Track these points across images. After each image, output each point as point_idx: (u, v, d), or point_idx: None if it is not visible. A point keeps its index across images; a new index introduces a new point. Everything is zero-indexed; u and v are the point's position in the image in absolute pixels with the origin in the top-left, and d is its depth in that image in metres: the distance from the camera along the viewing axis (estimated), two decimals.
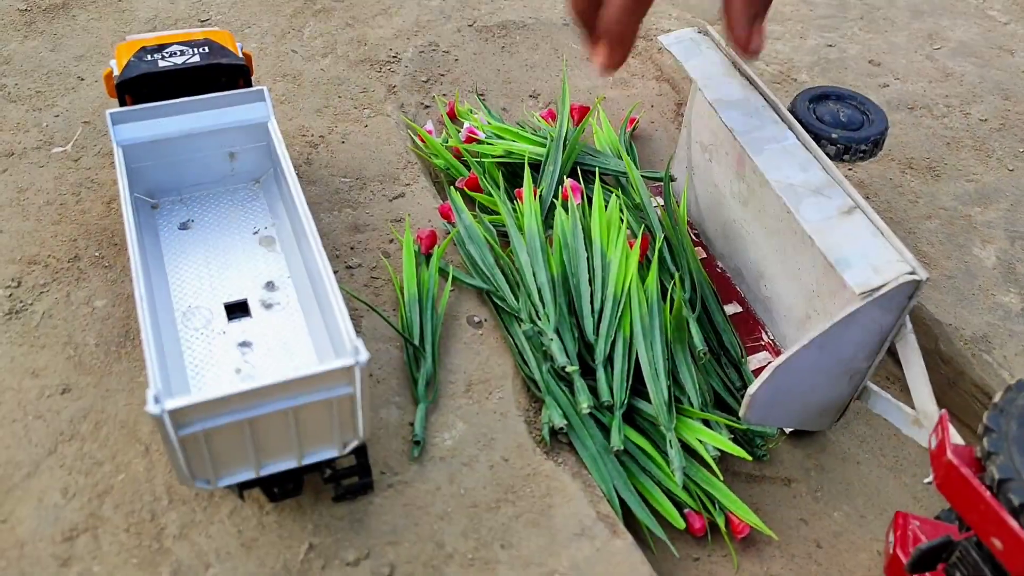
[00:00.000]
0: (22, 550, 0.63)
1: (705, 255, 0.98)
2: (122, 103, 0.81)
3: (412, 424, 0.73)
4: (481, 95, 1.14)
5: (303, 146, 1.00)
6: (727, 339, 0.87)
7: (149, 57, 0.80)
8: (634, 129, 1.12)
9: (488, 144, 1.00)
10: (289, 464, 0.60)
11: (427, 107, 1.11)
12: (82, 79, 1.08)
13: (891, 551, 0.71)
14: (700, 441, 0.77)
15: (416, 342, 0.78)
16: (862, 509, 0.80)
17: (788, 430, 0.85)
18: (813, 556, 0.76)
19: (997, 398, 0.58)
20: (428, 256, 0.87)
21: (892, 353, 0.76)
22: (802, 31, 1.31)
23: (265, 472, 0.60)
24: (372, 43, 1.20)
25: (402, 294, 0.82)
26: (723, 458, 0.83)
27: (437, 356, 0.78)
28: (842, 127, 0.85)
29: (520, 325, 0.81)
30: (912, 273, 0.68)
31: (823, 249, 0.71)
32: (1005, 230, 1.00)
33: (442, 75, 1.16)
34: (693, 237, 1.00)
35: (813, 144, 0.79)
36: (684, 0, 1.35)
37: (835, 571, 0.75)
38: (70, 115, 1.02)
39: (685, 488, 0.76)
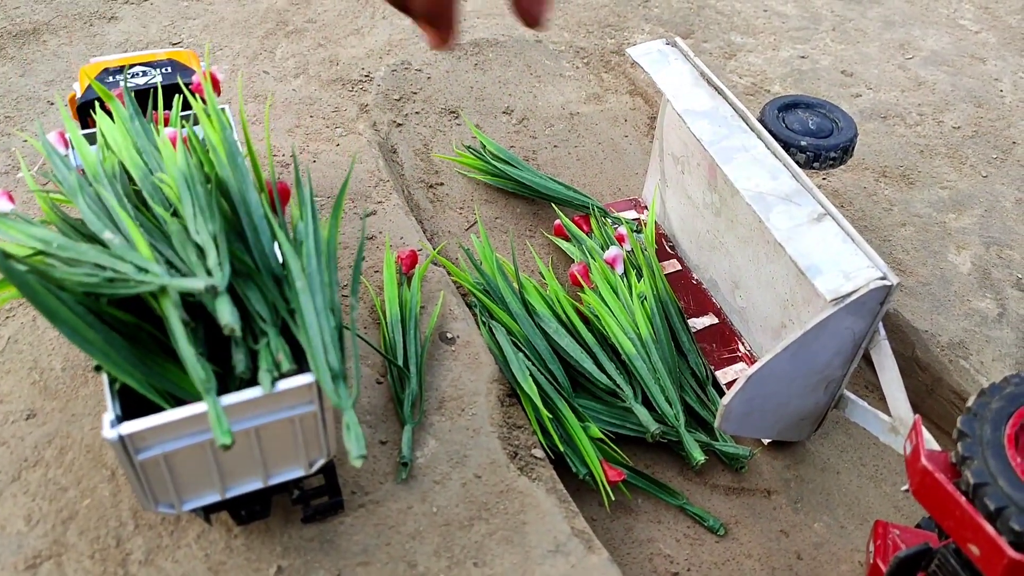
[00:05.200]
0: None
1: (680, 267, 0.97)
2: (84, 125, 0.80)
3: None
4: (454, 112, 1.14)
5: (274, 166, 0.99)
6: (692, 360, 0.87)
7: (111, 78, 0.80)
8: None
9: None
10: (255, 485, 0.59)
11: (400, 125, 1.10)
12: (52, 103, 1.08)
13: (871, 560, 0.70)
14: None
15: (400, 363, 0.77)
16: (842, 519, 0.79)
17: (766, 441, 0.84)
18: (794, 568, 0.75)
19: (970, 402, 0.58)
20: (409, 276, 0.86)
21: (870, 362, 0.76)
22: (775, 43, 1.32)
23: (231, 494, 0.59)
24: (344, 63, 1.19)
25: (384, 315, 0.81)
26: (703, 471, 0.82)
27: (423, 377, 0.77)
28: (811, 135, 0.85)
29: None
30: (883, 278, 0.68)
31: (794, 256, 0.70)
32: (980, 236, 1.00)
33: (415, 93, 1.16)
34: (668, 249, 0.99)
35: (782, 152, 0.78)
36: (657, 15, 1.36)
37: None
38: (39, 139, 1.01)
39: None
